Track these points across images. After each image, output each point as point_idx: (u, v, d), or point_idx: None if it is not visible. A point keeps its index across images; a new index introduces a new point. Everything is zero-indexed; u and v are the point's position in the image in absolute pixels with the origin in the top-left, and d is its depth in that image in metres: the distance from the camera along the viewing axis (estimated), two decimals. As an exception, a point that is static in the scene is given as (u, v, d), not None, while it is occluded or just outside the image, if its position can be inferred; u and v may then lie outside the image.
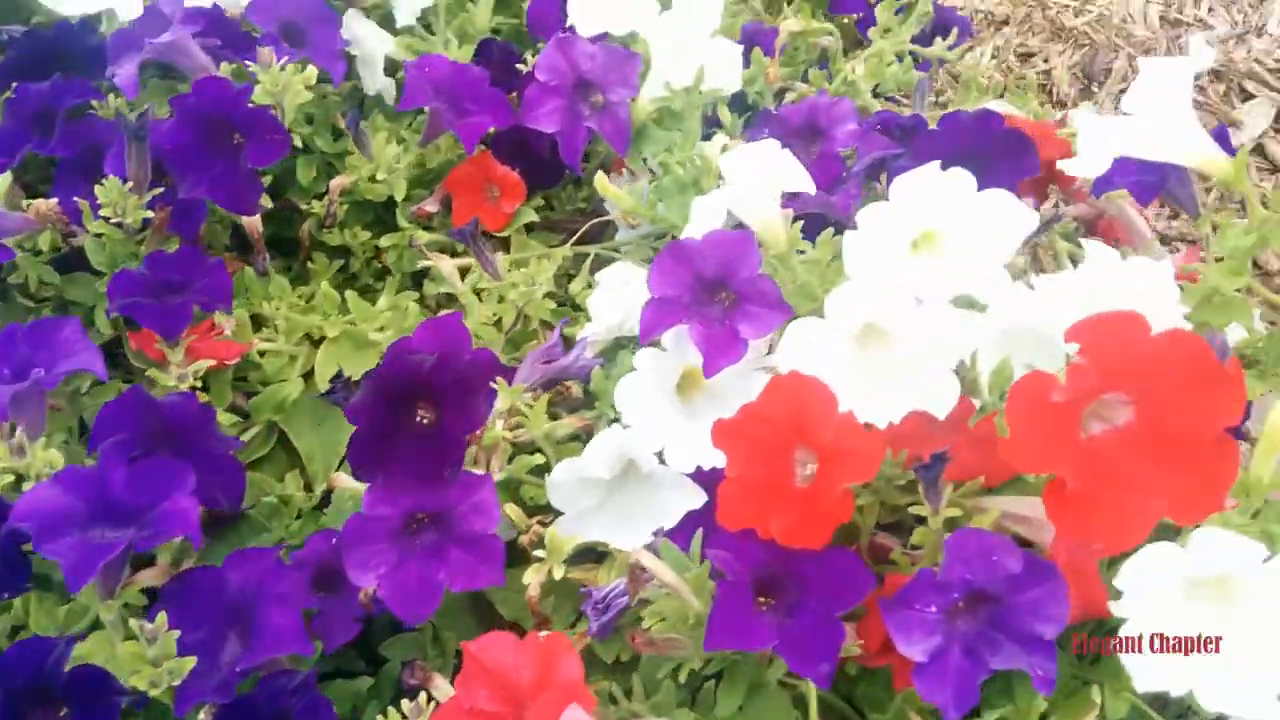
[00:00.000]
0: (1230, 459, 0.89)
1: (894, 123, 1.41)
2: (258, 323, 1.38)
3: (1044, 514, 0.93)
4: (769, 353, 1.13)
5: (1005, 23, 2.48)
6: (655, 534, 1.09)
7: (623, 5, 1.46)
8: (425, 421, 1.08)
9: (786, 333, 1.01)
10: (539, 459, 1.19)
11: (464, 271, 1.40)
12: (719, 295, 1.11)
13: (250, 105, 1.28)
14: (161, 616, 1.01)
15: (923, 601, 0.95)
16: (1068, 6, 2.49)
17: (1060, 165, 1.18)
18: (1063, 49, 2.39)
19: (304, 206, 1.47)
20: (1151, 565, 0.93)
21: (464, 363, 1.14)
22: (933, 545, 1.01)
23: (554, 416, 1.25)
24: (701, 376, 1.15)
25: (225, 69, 1.36)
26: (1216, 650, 0.94)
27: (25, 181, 1.43)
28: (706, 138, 1.43)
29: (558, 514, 1.17)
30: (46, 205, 1.31)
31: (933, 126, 1.34)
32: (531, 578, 1.12)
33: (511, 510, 1.17)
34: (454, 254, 1.42)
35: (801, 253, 1.18)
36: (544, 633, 1.07)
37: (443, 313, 1.38)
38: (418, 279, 1.48)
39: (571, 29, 1.47)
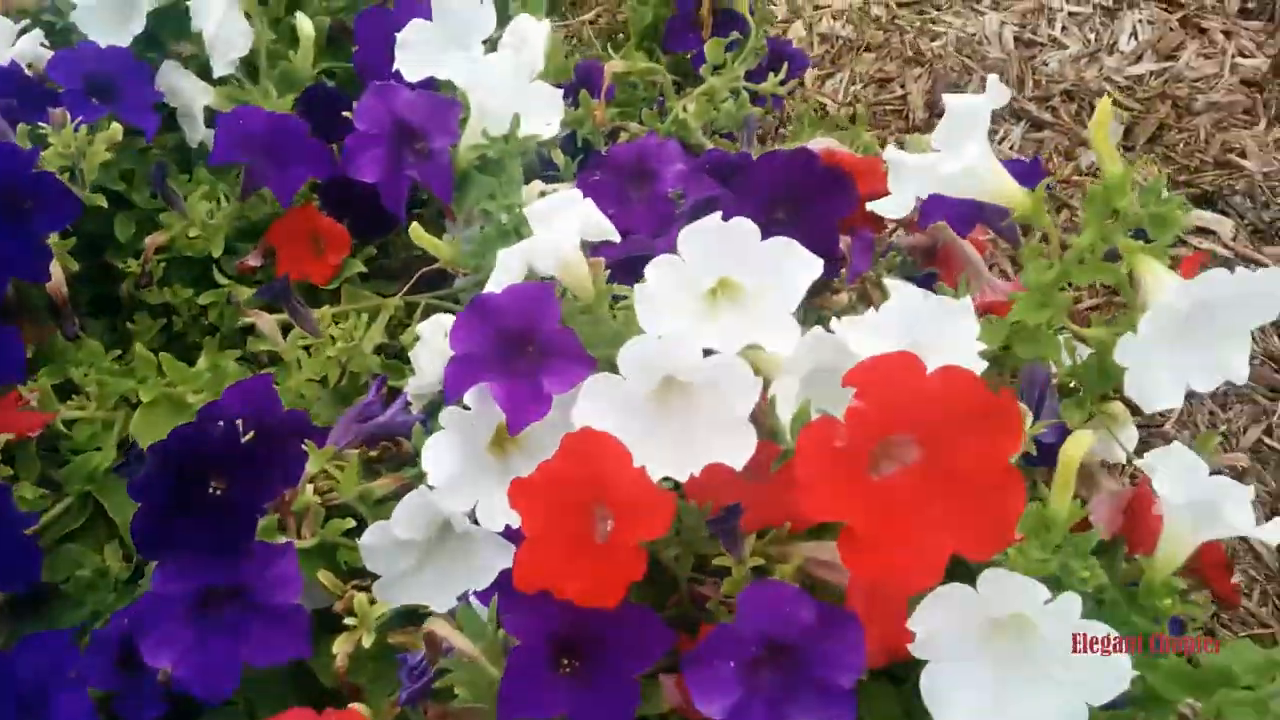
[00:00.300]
0: (1015, 492, 0.90)
1: (722, 162, 1.42)
2: (70, 389, 1.34)
3: (843, 558, 0.94)
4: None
5: (866, 48, 2.51)
6: (460, 597, 1.08)
7: (448, 50, 1.44)
8: (217, 492, 1.05)
9: (581, 388, 1.00)
10: (352, 522, 1.17)
11: (289, 327, 1.37)
12: (525, 349, 1.10)
13: (36, 170, 1.24)
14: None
15: (720, 657, 0.94)
16: (925, 31, 2.53)
17: (869, 206, 1.19)
18: (919, 74, 2.42)
19: (121, 265, 1.43)
20: (942, 606, 0.93)
21: (270, 426, 1.12)
22: (742, 594, 1.00)
23: (377, 475, 1.23)
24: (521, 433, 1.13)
25: (21, 131, 1.31)
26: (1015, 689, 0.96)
27: None
28: (545, 181, 1.43)
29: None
30: None
31: (761, 165, 1.35)
32: (340, 646, 1.09)
33: (324, 576, 1.14)
34: (277, 309, 1.39)
35: (624, 298, 1.17)
36: (354, 704, 1.06)
37: (265, 371, 1.35)
38: (246, 336, 1.45)
39: (398, 74, 1.45)
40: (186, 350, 1.43)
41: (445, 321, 1.29)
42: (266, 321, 1.34)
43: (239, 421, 1.08)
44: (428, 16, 1.49)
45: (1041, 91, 2.42)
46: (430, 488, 1.09)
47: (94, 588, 1.25)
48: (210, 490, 1.05)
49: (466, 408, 1.10)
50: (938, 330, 1.10)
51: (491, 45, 1.48)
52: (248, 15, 1.49)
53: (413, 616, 1.16)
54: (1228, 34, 2.54)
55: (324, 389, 1.36)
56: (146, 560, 1.08)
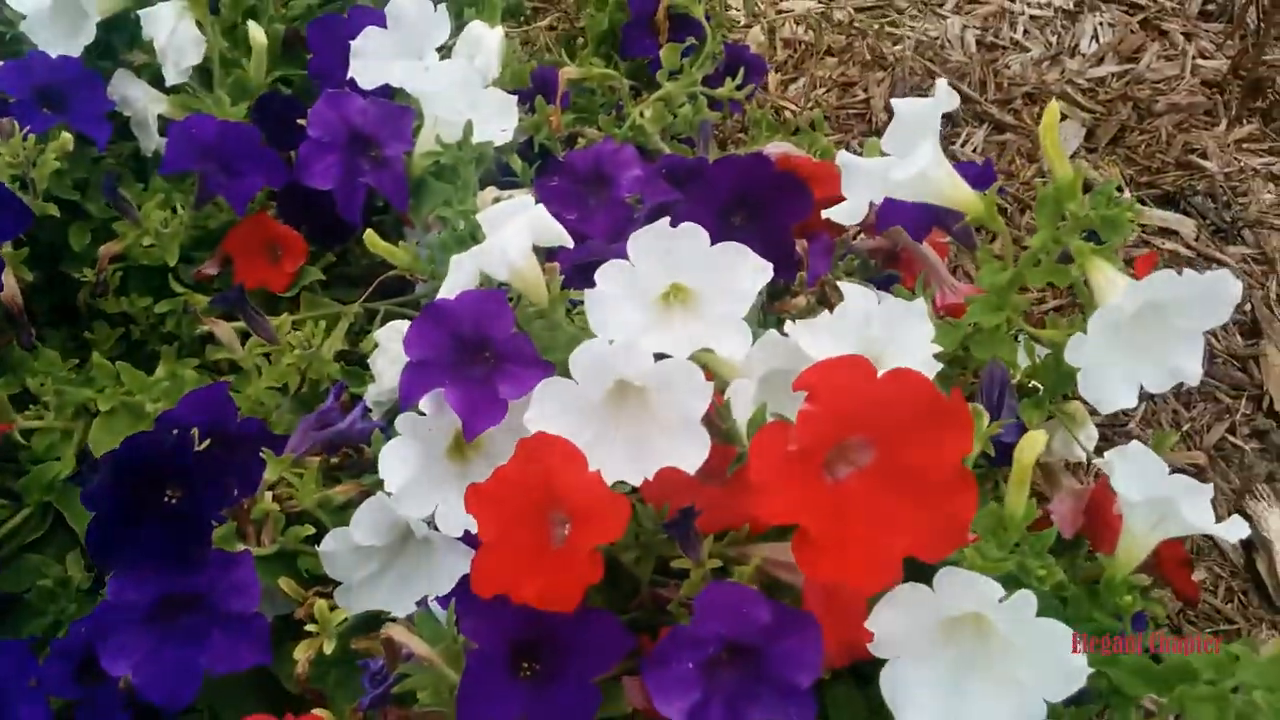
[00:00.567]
0: (968, 493, 0.90)
1: (679, 167, 1.42)
2: (28, 399, 1.33)
3: (801, 559, 0.94)
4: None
5: (828, 53, 2.52)
6: (419, 602, 1.07)
7: (402, 58, 1.44)
8: (172, 501, 1.04)
9: (534, 393, 1.00)
10: (312, 529, 1.16)
11: (248, 334, 1.37)
12: (481, 355, 1.10)
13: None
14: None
15: (678, 658, 0.94)
16: (888, 34, 2.55)
17: (824, 213, 1.19)
18: (881, 78, 2.44)
19: (77, 275, 1.42)
20: (899, 606, 0.94)
21: (226, 434, 1.12)
22: (703, 596, 1.00)
23: (338, 482, 1.23)
24: (480, 438, 1.13)
25: (-32, 142, 1.31)
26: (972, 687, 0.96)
27: None
28: (504, 187, 1.42)
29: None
30: None
31: (717, 171, 1.36)
32: (302, 653, 1.09)
33: (285, 583, 1.14)
34: (235, 317, 1.38)
35: (581, 303, 1.17)
36: (317, 710, 1.06)
37: (224, 379, 1.34)
38: (205, 344, 1.44)
39: (352, 82, 1.45)
40: (146, 359, 1.42)
41: (403, 328, 1.29)
42: (224, 330, 1.33)
43: (195, 430, 1.07)
44: (382, 24, 1.49)
45: (1003, 94, 2.44)
46: (388, 494, 1.09)
47: (55, 597, 1.25)
48: (165, 498, 1.04)
49: (422, 414, 1.09)
50: (892, 332, 1.11)
51: (447, 52, 1.48)
52: (200, 24, 1.49)
53: (376, 623, 1.15)
54: (1188, 36, 2.58)
55: (284, 396, 1.35)
56: (105, 570, 1.07)
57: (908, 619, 0.94)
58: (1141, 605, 1.02)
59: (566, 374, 1.01)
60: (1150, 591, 1.13)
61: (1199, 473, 1.83)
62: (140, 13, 1.50)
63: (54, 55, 1.44)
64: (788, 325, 1.09)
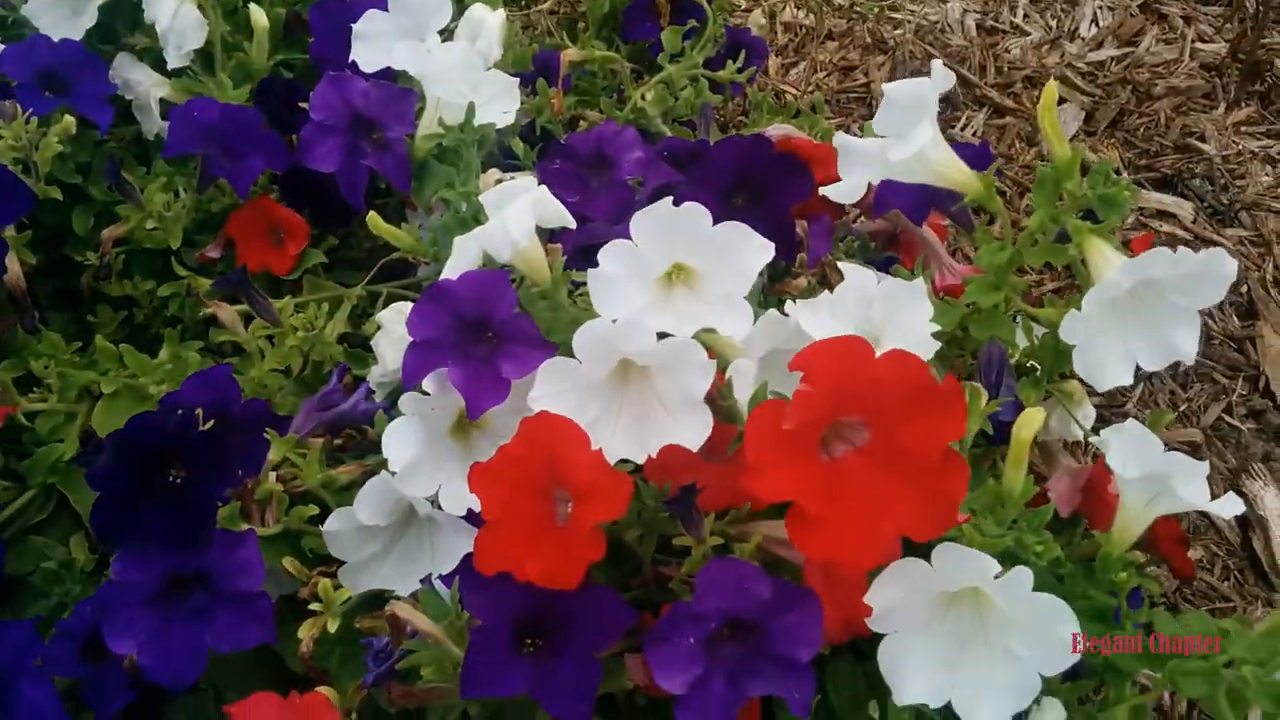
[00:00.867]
0: (958, 475, 0.91)
1: (680, 149, 1.43)
2: (32, 382, 1.33)
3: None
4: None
5: (829, 36, 2.52)
6: (423, 580, 1.08)
7: (404, 41, 1.45)
8: (176, 481, 1.05)
9: (538, 373, 1.01)
10: (316, 509, 1.17)
11: (251, 317, 1.38)
12: (484, 335, 1.10)
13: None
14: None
15: (679, 634, 0.95)
16: (889, 19, 2.55)
17: (822, 191, 1.20)
18: (881, 61, 2.44)
19: (80, 258, 1.42)
20: (897, 581, 0.95)
21: (230, 415, 1.12)
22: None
23: (342, 463, 1.23)
24: (482, 417, 1.14)
25: (-29, 125, 1.31)
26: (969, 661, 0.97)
27: None
28: (506, 169, 1.43)
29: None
30: None
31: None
32: (306, 632, 1.10)
33: (289, 563, 1.15)
34: (237, 300, 1.39)
35: (584, 284, 1.17)
36: (320, 688, 1.07)
37: (227, 361, 1.35)
38: (208, 327, 1.45)
39: (354, 65, 1.45)
40: (149, 342, 1.43)
41: (406, 309, 1.29)
42: (227, 312, 1.34)
43: (199, 411, 1.08)
44: (384, 7, 1.49)
45: (1003, 78, 2.44)
46: (392, 473, 1.10)
47: (59, 579, 1.25)
48: (169, 478, 1.04)
49: (426, 394, 1.10)
50: (891, 313, 1.11)
51: (448, 35, 1.48)
52: (201, 7, 1.49)
53: (379, 602, 1.17)
54: (1187, 19, 2.57)
55: (287, 379, 1.36)
56: (109, 550, 1.07)
57: (906, 594, 0.95)
58: (1137, 582, 1.03)
59: (569, 354, 1.02)
60: (1146, 569, 1.14)
61: (1194, 450, 1.85)
62: (142, -3, 1.51)
63: (56, 39, 1.44)
64: (788, 305, 1.09)
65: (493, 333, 1.10)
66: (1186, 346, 1.09)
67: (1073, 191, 1.08)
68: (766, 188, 1.31)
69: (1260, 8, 2.41)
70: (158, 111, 1.50)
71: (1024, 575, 0.91)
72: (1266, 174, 2.25)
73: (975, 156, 1.25)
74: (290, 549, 1.18)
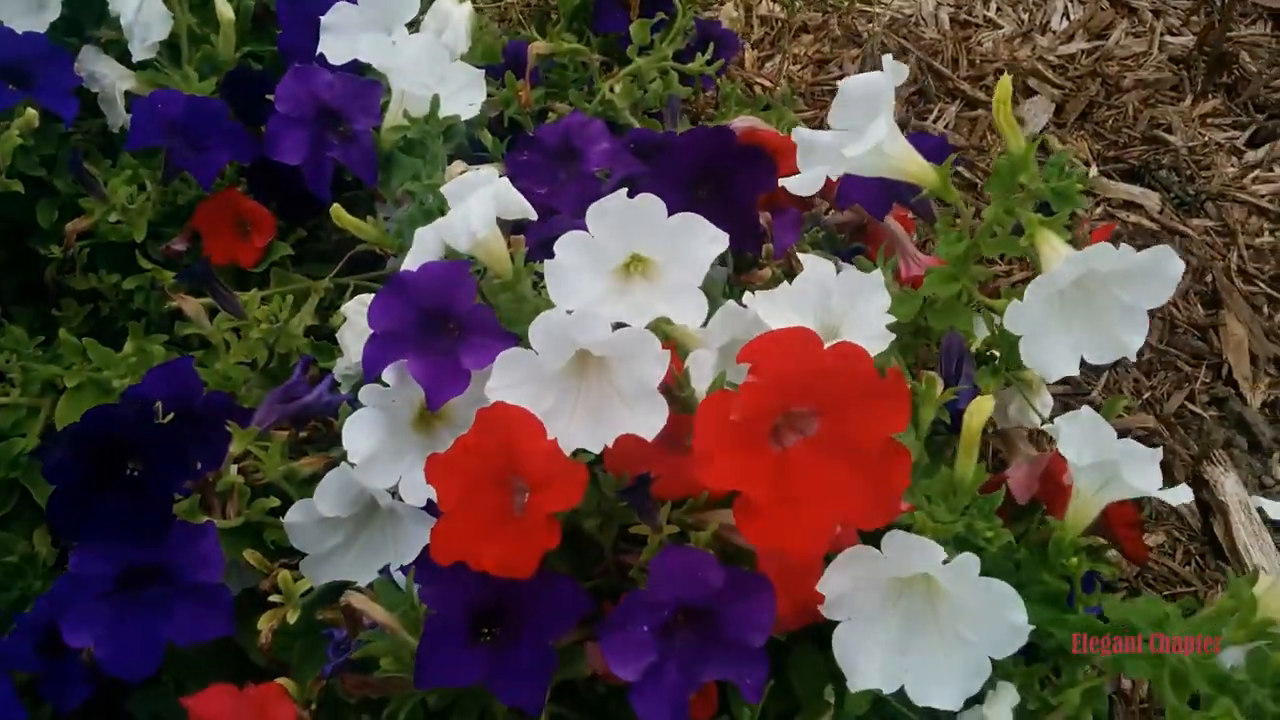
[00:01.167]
0: (900, 465, 0.92)
1: (647, 141, 1.43)
2: (-6, 375, 1.34)
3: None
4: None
5: (804, 29, 2.53)
6: (382, 571, 1.09)
7: (371, 33, 1.45)
8: (134, 474, 1.05)
9: (495, 364, 1.01)
10: (277, 501, 1.17)
11: (217, 310, 1.38)
12: (444, 327, 1.11)
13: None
14: None
15: (633, 623, 0.96)
16: (862, 11, 2.55)
17: (781, 183, 1.21)
18: (855, 54, 2.45)
19: (44, 252, 1.42)
20: (849, 568, 0.96)
21: (192, 408, 1.13)
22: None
23: (304, 454, 1.24)
24: (444, 408, 1.15)
25: (-71, 119, 1.31)
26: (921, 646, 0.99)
27: None
28: (475, 162, 1.43)
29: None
30: None
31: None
32: (265, 624, 1.10)
33: (251, 555, 1.15)
34: (202, 293, 1.39)
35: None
36: (279, 679, 1.07)
37: (195, 354, 1.35)
38: (174, 320, 1.45)
39: (322, 57, 1.45)
40: (115, 335, 1.42)
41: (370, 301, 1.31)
42: (192, 305, 1.34)
43: (158, 404, 1.08)
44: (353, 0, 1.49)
45: (976, 71, 2.46)
46: (352, 465, 1.11)
47: (21, 573, 1.25)
48: (127, 471, 1.05)
49: (387, 385, 1.11)
50: (850, 304, 1.12)
51: (417, 27, 1.49)
52: (167, 1, 1.49)
53: (342, 593, 1.17)
54: (1156, 13, 2.59)
55: (254, 371, 1.36)
56: (67, 543, 1.08)
57: (857, 581, 0.96)
58: (1088, 567, 1.05)
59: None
60: (1105, 553, 1.16)
61: (1150, 436, 1.87)
62: (107, -12, 1.50)
63: (20, 31, 1.44)
64: (746, 296, 1.10)
65: (453, 324, 1.10)
66: (1132, 342, 1.09)
67: (1027, 184, 1.09)
68: (730, 179, 1.32)
69: (1226, 1, 2.43)
70: (123, 104, 1.49)
71: (971, 562, 0.92)
72: (1231, 165, 2.27)
73: (935, 149, 1.26)
74: (252, 541, 1.18)
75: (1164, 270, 1.04)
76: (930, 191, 1.19)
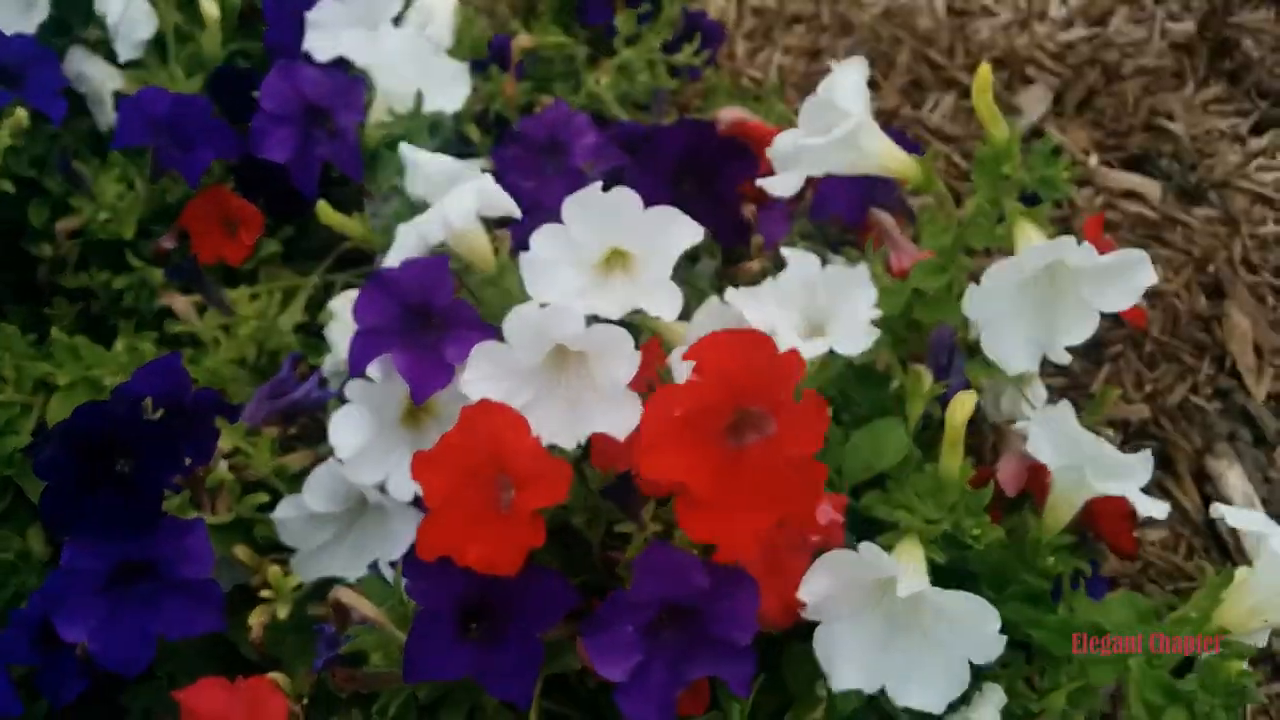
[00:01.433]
0: (811, 486, 0.94)
1: (632, 134, 1.43)
2: (-15, 374, 1.34)
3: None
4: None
5: (797, 20, 2.52)
6: (371, 566, 1.09)
7: (356, 29, 1.45)
8: (124, 470, 1.05)
9: (470, 357, 1.01)
10: (267, 497, 1.18)
11: (206, 308, 1.38)
12: (428, 321, 1.11)
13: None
14: None
15: (618, 621, 0.96)
16: (856, 2, 2.54)
17: (759, 183, 1.20)
18: (849, 44, 2.43)
19: (36, 251, 1.43)
20: (830, 571, 0.96)
21: (181, 404, 1.13)
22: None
23: (293, 450, 1.24)
24: (431, 403, 1.15)
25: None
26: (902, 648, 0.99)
27: None
28: (462, 156, 1.43)
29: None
30: None
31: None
32: (256, 619, 1.11)
33: (241, 551, 1.16)
34: (191, 291, 1.40)
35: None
36: (271, 674, 1.08)
37: (184, 351, 1.36)
38: (165, 318, 1.45)
39: (309, 54, 1.46)
40: (107, 333, 1.43)
41: (357, 297, 1.31)
42: (181, 303, 1.35)
43: (147, 399, 1.09)
44: (338, -4, 1.49)
45: (972, 60, 2.44)
46: (339, 461, 1.11)
47: (16, 570, 1.26)
48: (116, 467, 1.05)
49: (373, 380, 1.11)
50: (835, 297, 1.13)
51: (402, 22, 1.48)
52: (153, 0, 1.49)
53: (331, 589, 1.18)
54: (1157, -1, 2.57)
55: (243, 368, 1.37)
56: (59, 538, 1.08)
57: (839, 583, 0.97)
58: (1065, 566, 1.04)
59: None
60: (1081, 549, 1.15)
61: (1141, 425, 1.85)
62: (93, -12, 1.50)
63: (8, 33, 1.44)
64: (729, 292, 1.10)
65: (436, 319, 1.11)
66: (1068, 340, 1.08)
67: (1009, 174, 1.09)
68: (713, 171, 1.32)
69: (1229, -14, 2.42)
70: (111, 104, 1.50)
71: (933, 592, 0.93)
72: (1235, 153, 2.25)
73: (911, 142, 1.25)
74: (242, 537, 1.19)
75: (1134, 273, 1.03)
76: (914, 185, 1.18)
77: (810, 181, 1.39)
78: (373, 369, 1.10)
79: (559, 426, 1.01)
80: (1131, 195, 2.19)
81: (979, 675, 1.05)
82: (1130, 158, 2.26)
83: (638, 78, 1.56)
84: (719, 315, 1.10)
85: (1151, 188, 2.20)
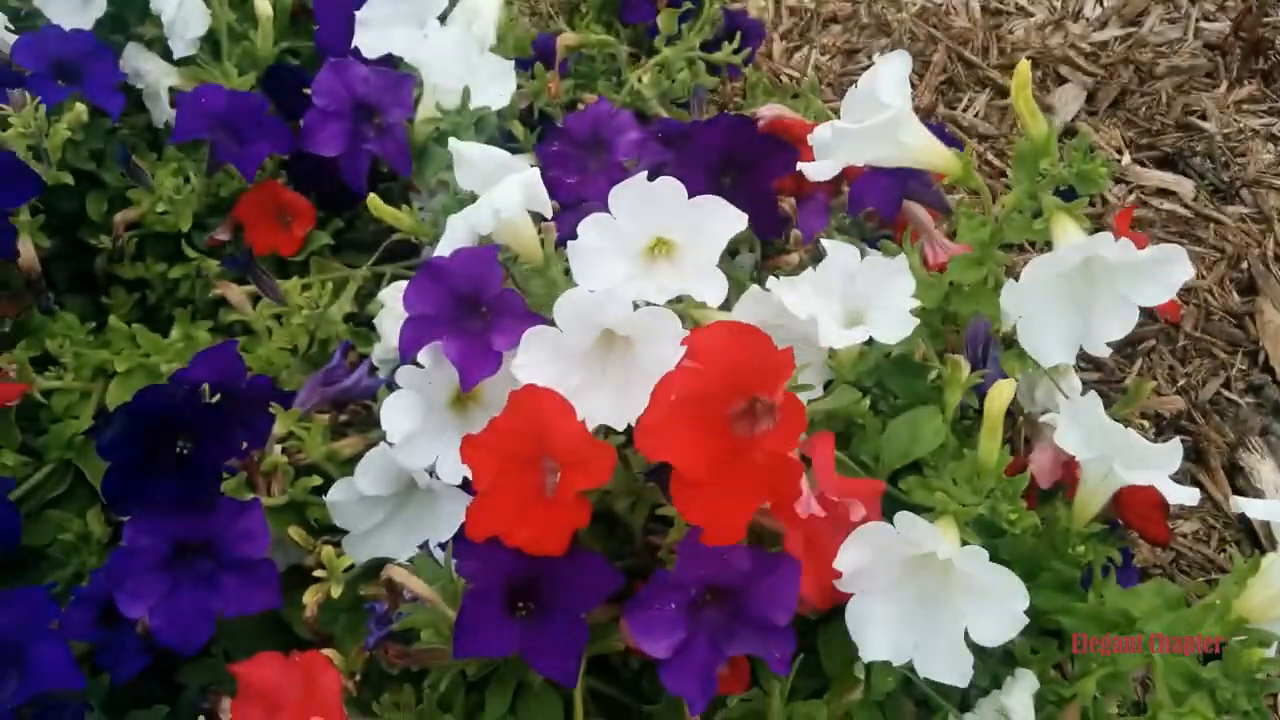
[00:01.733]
0: (791, 479, 0.95)
1: (672, 130, 1.46)
2: (49, 361, 1.38)
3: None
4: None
5: (834, 20, 2.54)
6: (421, 546, 1.12)
7: (405, 26, 1.48)
8: (183, 451, 1.09)
9: (521, 341, 1.04)
10: (320, 480, 1.21)
11: (259, 298, 1.42)
12: (477, 310, 1.14)
13: (-1, 149, 1.29)
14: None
15: (661, 601, 0.99)
16: (892, 1, 2.56)
17: (799, 167, 1.22)
18: (885, 44, 2.46)
19: (94, 242, 1.47)
20: (865, 543, 0.98)
21: (235, 390, 1.17)
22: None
23: (344, 436, 1.28)
24: (478, 389, 1.18)
25: (-16, 113, 1.36)
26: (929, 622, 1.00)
27: None
28: (507, 151, 1.46)
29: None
30: None
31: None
32: (310, 598, 1.14)
33: (295, 532, 1.19)
34: (246, 281, 1.44)
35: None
36: (324, 650, 1.11)
37: (239, 340, 1.39)
38: (218, 307, 1.49)
39: (357, 51, 1.49)
40: (161, 322, 1.47)
41: (407, 288, 1.34)
42: (236, 293, 1.38)
43: (206, 385, 1.13)
44: (386, -5, 1.53)
45: (1006, 59, 2.46)
46: (390, 445, 1.14)
47: (76, 550, 1.30)
48: (177, 449, 1.09)
49: (422, 367, 1.14)
50: (874, 289, 1.14)
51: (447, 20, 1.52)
52: (207, -1, 1.54)
53: (382, 569, 1.21)
54: (1192, -2, 2.58)
55: (295, 357, 1.40)
56: (120, 517, 1.12)
57: (873, 557, 0.98)
58: (1095, 554, 1.06)
59: (560, 328, 1.05)
60: (1112, 538, 1.17)
61: (1174, 417, 1.87)
62: (149, -14, 1.55)
63: (67, 29, 1.49)
64: (770, 281, 1.12)
65: (485, 307, 1.14)
66: (1108, 335, 1.07)
67: (1048, 169, 1.10)
68: (751, 165, 1.35)
69: (1264, -15, 2.42)
70: (167, 99, 1.54)
71: (979, 551, 0.94)
72: (1268, 151, 2.26)
73: (948, 136, 1.27)
74: (296, 519, 1.22)
75: (1172, 267, 1.02)
76: (953, 179, 1.20)
77: (848, 176, 1.42)
78: (423, 355, 1.13)
79: (607, 409, 1.03)
80: (1164, 193, 2.21)
81: (1012, 662, 1.08)
82: (1163, 156, 2.27)
83: (678, 75, 1.59)
84: (761, 304, 1.12)
85: (1184, 186, 2.22)
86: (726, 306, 1.11)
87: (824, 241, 1.18)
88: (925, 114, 2.30)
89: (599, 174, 1.46)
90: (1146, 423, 1.82)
